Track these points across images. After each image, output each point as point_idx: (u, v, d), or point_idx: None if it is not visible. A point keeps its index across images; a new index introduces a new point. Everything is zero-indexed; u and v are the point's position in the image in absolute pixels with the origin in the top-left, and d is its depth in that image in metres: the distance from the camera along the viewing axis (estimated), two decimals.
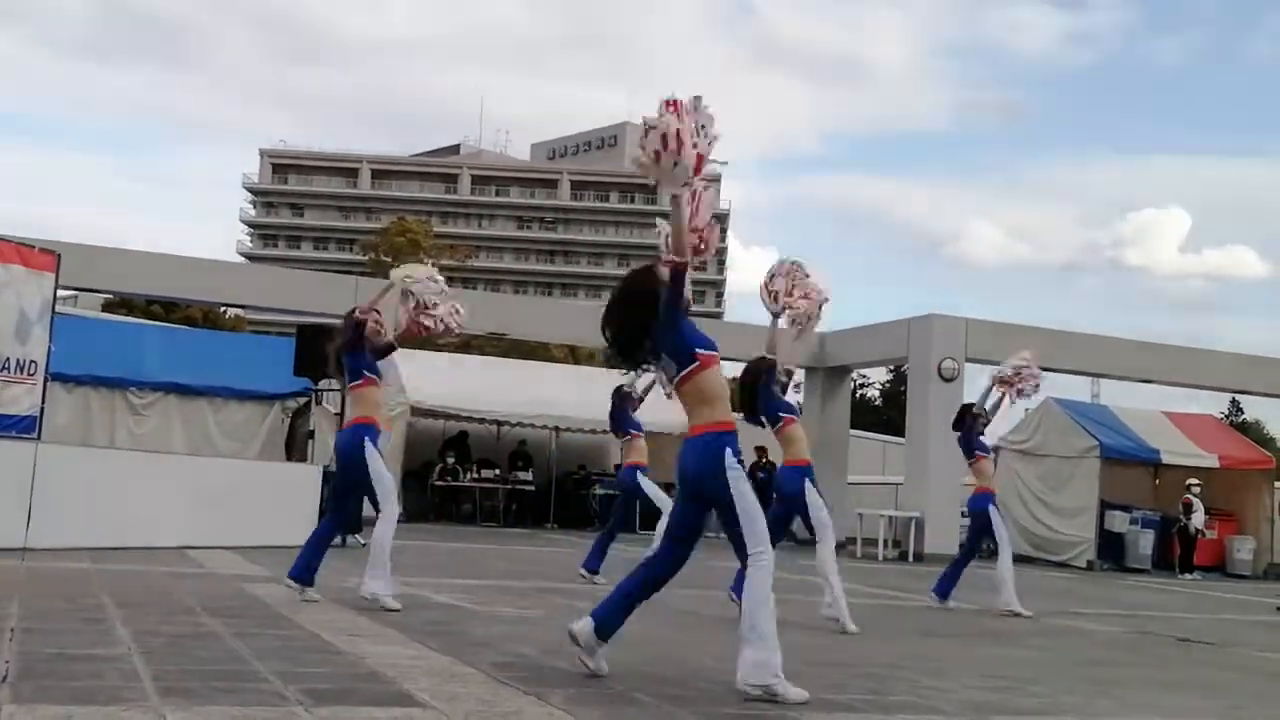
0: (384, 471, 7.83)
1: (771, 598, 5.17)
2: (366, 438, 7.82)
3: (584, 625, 5.34)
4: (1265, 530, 22.80)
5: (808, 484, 8.62)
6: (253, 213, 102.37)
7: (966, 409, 11.25)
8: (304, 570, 7.85)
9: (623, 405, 11.38)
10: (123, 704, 4.10)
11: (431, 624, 7.10)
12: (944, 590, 10.93)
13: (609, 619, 5.36)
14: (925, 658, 7.50)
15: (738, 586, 10.58)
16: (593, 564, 11.21)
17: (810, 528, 8.67)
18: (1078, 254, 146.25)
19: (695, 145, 5.09)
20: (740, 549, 5.21)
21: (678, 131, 5.05)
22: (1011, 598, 10.66)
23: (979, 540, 11.16)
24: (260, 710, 4.19)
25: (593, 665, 5.34)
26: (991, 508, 10.81)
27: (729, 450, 5.17)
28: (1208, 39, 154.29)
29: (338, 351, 8.21)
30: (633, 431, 11.47)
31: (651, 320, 5.33)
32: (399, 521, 7.93)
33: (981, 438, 11.10)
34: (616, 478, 12.61)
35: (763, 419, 8.70)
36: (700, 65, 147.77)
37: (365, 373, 8.02)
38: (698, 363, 5.32)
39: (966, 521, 22.80)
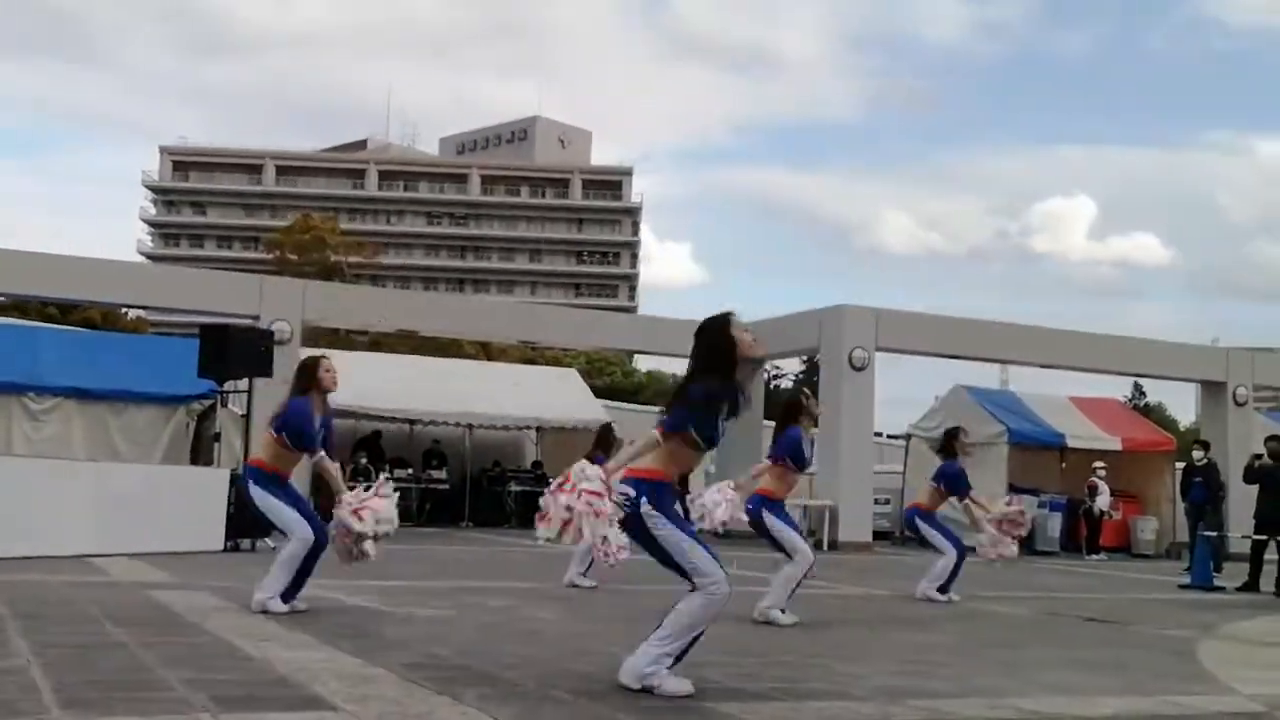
0: (275, 503, 7.73)
1: (704, 626, 5.15)
2: (252, 480, 7.81)
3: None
4: (1167, 510, 23.41)
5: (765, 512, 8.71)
6: (153, 211, 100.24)
7: (952, 435, 11.42)
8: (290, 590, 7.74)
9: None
10: (20, 717, 3.98)
11: (344, 627, 7.00)
12: (944, 586, 11.04)
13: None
14: (840, 645, 7.58)
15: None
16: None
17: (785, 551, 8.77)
18: (988, 242, 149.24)
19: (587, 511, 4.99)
20: (688, 580, 5.16)
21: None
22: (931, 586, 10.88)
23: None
24: (165, 718, 4.10)
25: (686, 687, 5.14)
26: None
27: (644, 499, 5.14)
28: (1111, 31, 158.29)
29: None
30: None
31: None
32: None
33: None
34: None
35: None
36: (613, 58, 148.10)
37: (279, 432, 7.81)
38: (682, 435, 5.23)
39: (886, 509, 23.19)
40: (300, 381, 7.89)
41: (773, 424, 9.38)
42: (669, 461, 5.27)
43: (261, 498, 7.74)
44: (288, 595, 7.73)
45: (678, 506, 5.38)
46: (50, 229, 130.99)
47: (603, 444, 11.11)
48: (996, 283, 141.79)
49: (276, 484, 7.79)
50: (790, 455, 8.84)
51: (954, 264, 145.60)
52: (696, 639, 5.20)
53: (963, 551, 11.03)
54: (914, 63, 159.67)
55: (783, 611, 8.48)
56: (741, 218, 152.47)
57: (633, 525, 5.16)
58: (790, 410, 9.18)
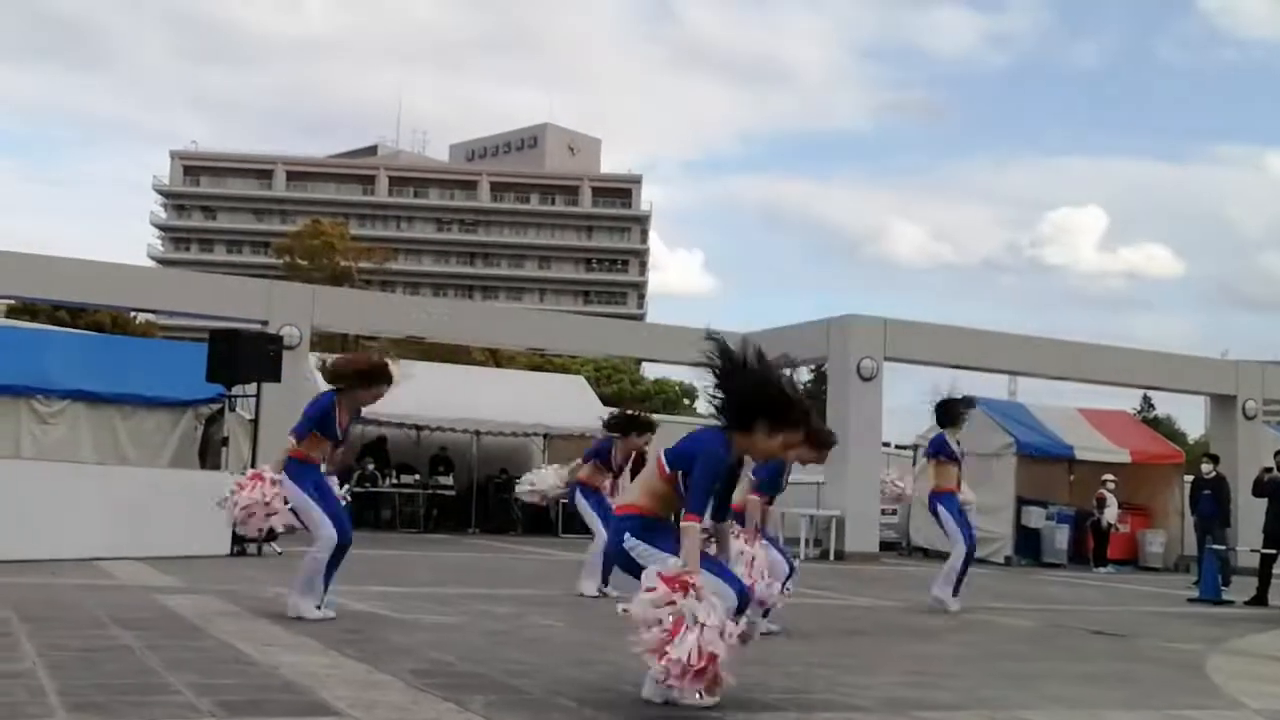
0: (304, 500, 7.67)
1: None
2: (286, 473, 7.72)
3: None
4: (1176, 523, 23.31)
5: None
6: (164, 216, 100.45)
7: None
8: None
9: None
10: None
11: (349, 632, 7.00)
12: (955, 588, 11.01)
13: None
14: (846, 656, 7.56)
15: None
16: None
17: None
18: (998, 253, 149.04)
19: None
20: None
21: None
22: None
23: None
24: None
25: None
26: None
27: (628, 533, 5.13)
28: (1122, 43, 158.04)
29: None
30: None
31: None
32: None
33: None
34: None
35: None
36: (622, 67, 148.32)
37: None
38: (669, 474, 5.12)
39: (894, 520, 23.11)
40: (347, 380, 7.84)
41: None
42: (644, 496, 5.22)
43: (294, 492, 7.66)
44: (322, 600, 7.73)
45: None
46: (61, 233, 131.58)
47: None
48: (1007, 294, 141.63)
49: (309, 476, 7.74)
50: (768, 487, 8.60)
51: (964, 275, 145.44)
52: None
53: (972, 548, 10.98)
54: (923, 74, 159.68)
55: None
56: (751, 227, 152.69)
57: (622, 562, 5.19)
58: None
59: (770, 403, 5.03)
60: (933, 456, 11.36)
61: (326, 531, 7.64)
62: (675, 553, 4.92)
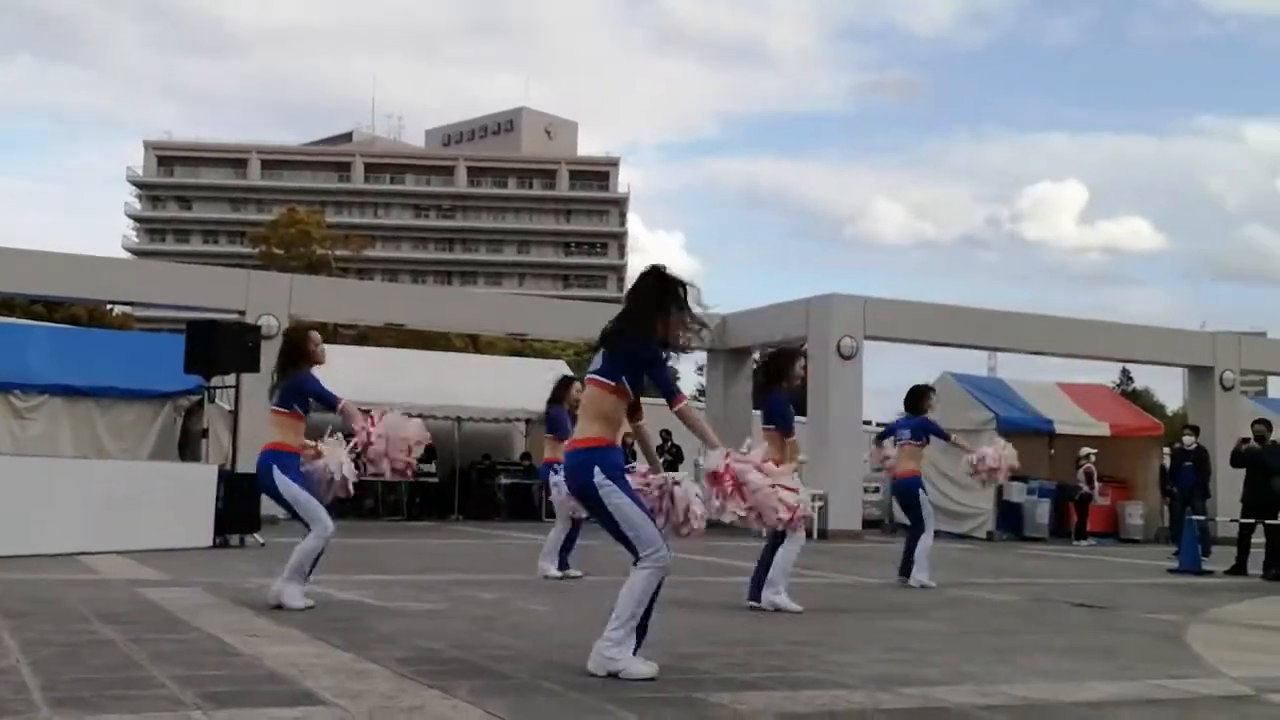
0: (299, 492, 7.61)
1: (649, 598, 5.25)
2: (275, 466, 7.65)
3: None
4: (1155, 495, 23.48)
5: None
6: (138, 207, 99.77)
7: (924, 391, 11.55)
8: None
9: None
10: (11, 716, 3.97)
11: (334, 622, 6.99)
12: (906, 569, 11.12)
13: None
14: (831, 633, 7.59)
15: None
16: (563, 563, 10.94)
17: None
18: (978, 229, 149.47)
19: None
20: (632, 552, 5.31)
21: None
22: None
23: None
24: (156, 716, 4.09)
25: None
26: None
27: (597, 468, 5.27)
28: (1099, 17, 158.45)
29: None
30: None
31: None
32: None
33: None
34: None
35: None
36: (598, 49, 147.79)
37: (289, 407, 7.81)
38: (614, 384, 5.40)
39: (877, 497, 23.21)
40: (292, 357, 7.87)
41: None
42: (598, 424, 5.41)
43: (285, 485, 7.59)
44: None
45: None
46: (35, 226, 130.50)
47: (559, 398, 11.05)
48: (988, 270, 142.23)
49: (296, 467, 7.71)
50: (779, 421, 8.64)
51: (945, 252, 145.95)
52: (648, 618, 5.32)
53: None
54: (902, 52, 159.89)
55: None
56: (731, 208, 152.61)
57: (586, 499, 5.37)
58: (776, 372, 8.92)
59: (666, 288, 5.53)
60: (922, 439, 11.35)
61: (325, 522, 7.60)
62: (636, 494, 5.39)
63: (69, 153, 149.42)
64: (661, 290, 5.51)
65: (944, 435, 11.54)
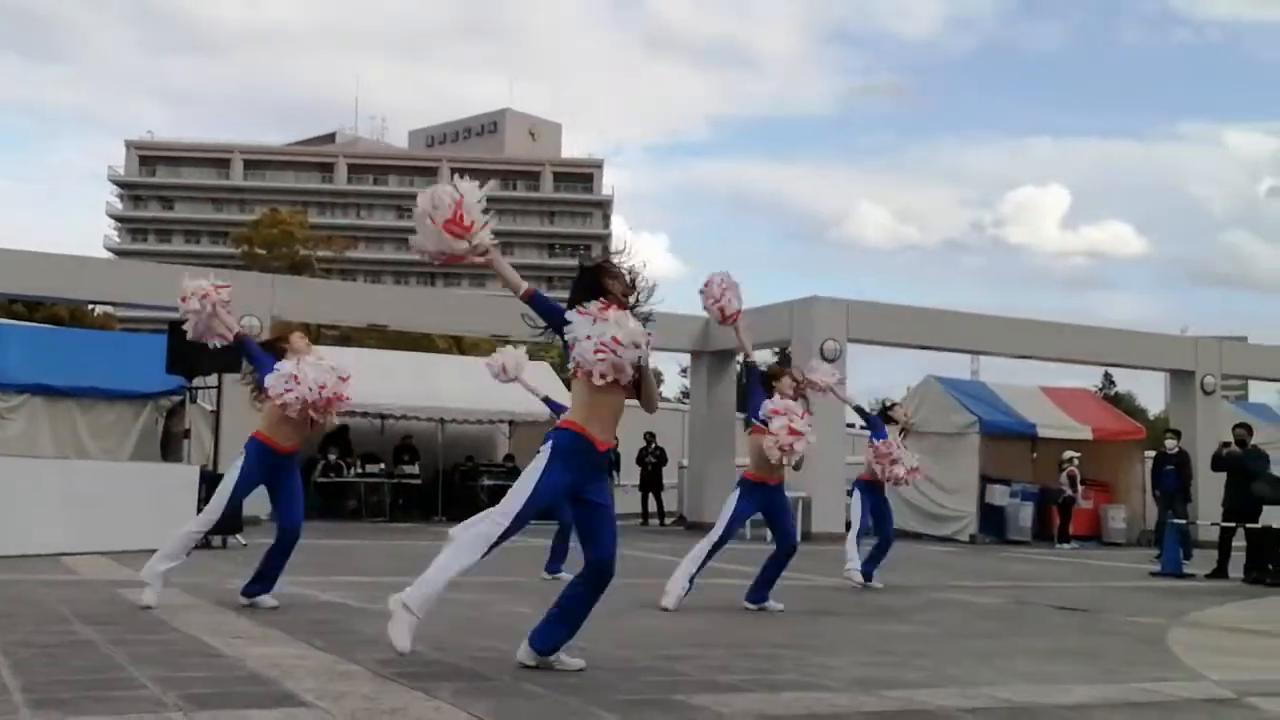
0: (228, 479, 7.66)
1: (457, 567, 5.57)
2: (245, 452, 7.71)
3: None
4: (1137, 498, 23.59)
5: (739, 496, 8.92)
6: (120, 207, 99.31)
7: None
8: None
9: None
10: None
11: (316, 623, 6.96)
12: (869, 571, 11.26)
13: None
14: (813, 636, 7.59)
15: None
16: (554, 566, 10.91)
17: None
18: (962, 233, 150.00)
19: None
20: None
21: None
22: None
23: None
24: (137, 718, 4.07)
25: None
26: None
27: (549, 443, 5.49)
28: (1082, 23, 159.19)
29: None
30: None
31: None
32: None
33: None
34: None
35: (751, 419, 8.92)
36: (583, 51, 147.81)
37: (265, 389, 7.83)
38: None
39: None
40: (272, 348, 8.03)
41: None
42: (585, 409, 5.55)
43: (230, 468, 7.71)
44: (252, 591, 7.70)
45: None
46: (16, 225, 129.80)
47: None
48: (972, 274, 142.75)
49: (261, 462, 7.64)
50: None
51: (929, 256, 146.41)
52: (584, 616, 5.54)
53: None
54: (887, 56, 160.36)
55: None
56: (716, 211, 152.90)
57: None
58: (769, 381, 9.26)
59: (601, 270, 5.93)
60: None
61: (212, 519, 7.67)
62: (561, 484, 5.39)
63: (50, 151, 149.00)
64: (580, 281, 5.97)
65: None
